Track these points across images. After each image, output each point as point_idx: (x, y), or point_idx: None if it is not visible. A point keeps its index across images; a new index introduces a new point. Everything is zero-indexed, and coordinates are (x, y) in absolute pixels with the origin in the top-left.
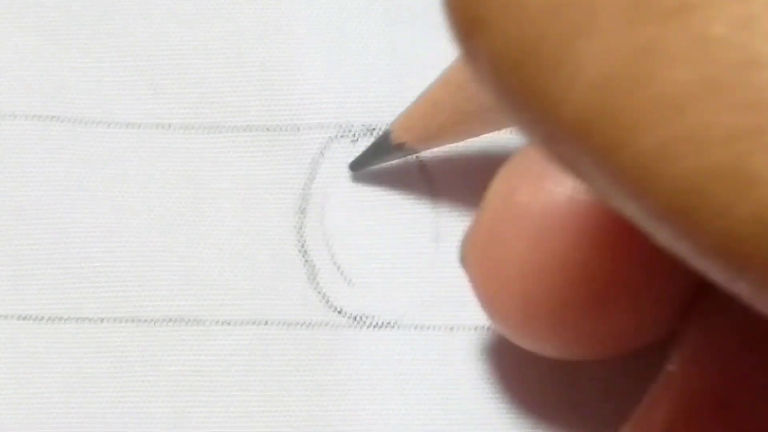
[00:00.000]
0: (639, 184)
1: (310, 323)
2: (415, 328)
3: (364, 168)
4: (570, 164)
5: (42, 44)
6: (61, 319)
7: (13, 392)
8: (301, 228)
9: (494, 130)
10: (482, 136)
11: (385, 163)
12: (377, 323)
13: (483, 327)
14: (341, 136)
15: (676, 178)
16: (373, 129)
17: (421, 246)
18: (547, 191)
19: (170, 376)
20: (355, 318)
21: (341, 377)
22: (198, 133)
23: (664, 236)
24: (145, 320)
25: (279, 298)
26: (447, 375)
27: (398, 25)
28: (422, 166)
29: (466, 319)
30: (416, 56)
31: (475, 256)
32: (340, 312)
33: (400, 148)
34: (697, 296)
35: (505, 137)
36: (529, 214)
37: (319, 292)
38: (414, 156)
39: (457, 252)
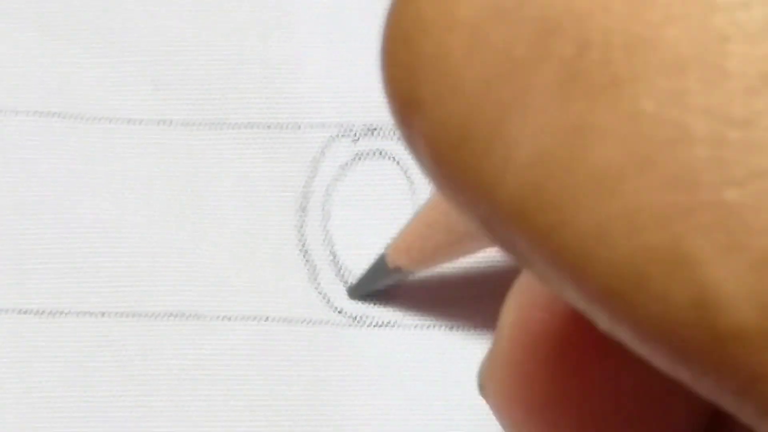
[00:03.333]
0: (575, 268)
1: (310, 320)
2: (415, 327)
3: (363, 292)
4: (508, 247)
5: (44, 41)
6: (62, 313)
7: (14, 386)
8: (302, 227)
9: (489, 247)
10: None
11: (383, 286)
12: (377, 322)
13: (482, 326)
14: (342, 136)
15: (612, 262)
16: (374, 129)
17: None
18: (559, 315)
19: (171, 370)
20: (355, 318)
21: (341, 373)
22: (199, 129)
23: (603, 321)
24: (146, 315)
25: (280, 295)
26: (446, 373)
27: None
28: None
29: (465, 318)
30: None
31: (494, 385)
32: (340, 312)
33: (397, 271)
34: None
35: None
36: (545, 340)
37: (320, 292)
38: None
39: (476, 379)
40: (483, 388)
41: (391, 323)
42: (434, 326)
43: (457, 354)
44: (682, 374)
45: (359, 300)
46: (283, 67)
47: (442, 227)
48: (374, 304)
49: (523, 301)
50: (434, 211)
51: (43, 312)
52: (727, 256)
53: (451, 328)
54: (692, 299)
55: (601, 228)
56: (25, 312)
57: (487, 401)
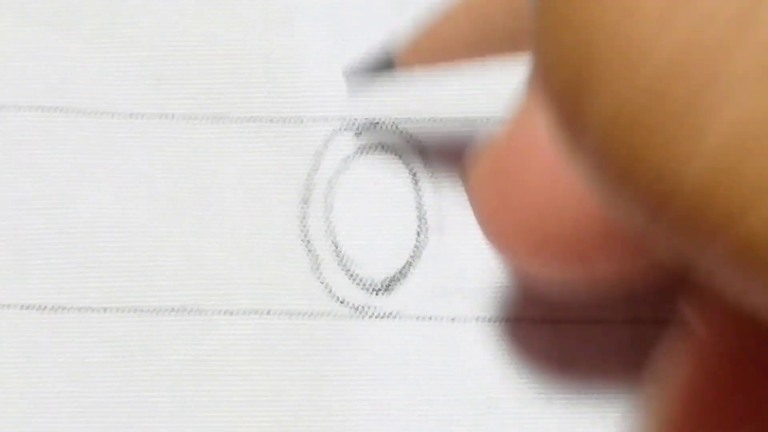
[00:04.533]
0: (754, 261)
1: (312, 313)
2: (417, 318)
3: (356, 75)
4: (673, 245)
5: (45, 35)
6: (63, 308)
7: (15, 382)
8: (304, 218)
9: (506, 57)
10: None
11: (378, 76)
12: (379, 314)
13: (485, 318)
14: (345, 129)
15: None
16: (377, 122)
17: (424, 237)
18: None
19: (172, 365)
20: (357, 308)
21: (343, 367)
22: (201, 123)
23: None
24: (148, 310)
25: (282, 288)
26: (448, 365)
27: (402, 18)
28: (426, 159)
29: (467, 310)
30: None
31: (483, 182)
32: (342, 302)
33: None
34: None
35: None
36: (545, 142)
37: (322, 282)
38: (417, 150)
39: (459, 173)
40: (470, 182)
41: (393, 314)
42: (436, 318)
43: (459, 346)
44: None
45: (351, 77)
46: (286, 60)
47: (465, 24)
48: (377, 294)
49: (531, 101)
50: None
51: (44, 308)
52: None
53: (453, 319)
54: None
55: None
56: (27, 308)
57: (471, 195)
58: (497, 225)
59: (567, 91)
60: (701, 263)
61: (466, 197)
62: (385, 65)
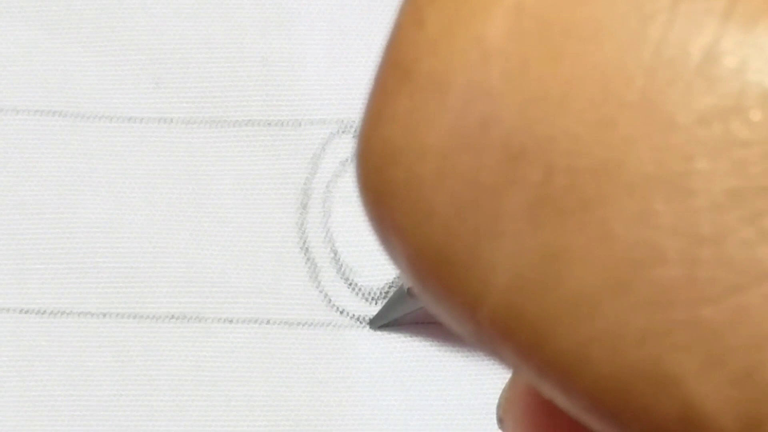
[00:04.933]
0: (560, 382)
1: (311, 323)
2: (415, 324)
3: (384, 321)
4: (496, 358)
5: (44, 39)
6: (63, 313)
7: (15, 385)
8: (302, 225)
9: None
10: None
11: (403, 313)
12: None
13: None
14: (343, 132)
15: (596, 378)
16: None
17: None
18: None
19: (171, 371)
20: (356, 318)
21: (342, 374)
22: (199, 127)
23: (594, 427)
24: (147, 316)
25: (280, 298)
26: (447, 371)
27: None
28: None
29: None
30: None
31: (514, 417)
32: (341, 312)
33: (414, 295)
34: None
35: None
36: None
37: (321, 292)
38: None
39: (495, 413)
40: (502, 422)
41: (392, 321)
42: (434, 324)
43: (458, 352)
44: None
45: (380, 330)
46: (284, 64)
47: None
48: (376, 303)
49: None
50: None
51: (44, 312)
52: (708, 372)
53: None
54: (676, 415)
55: (582, 348)
56: (27, 312)
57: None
58: None
59: (379, 228)
60: (522, 375)
61: None
62: (402, 297)
